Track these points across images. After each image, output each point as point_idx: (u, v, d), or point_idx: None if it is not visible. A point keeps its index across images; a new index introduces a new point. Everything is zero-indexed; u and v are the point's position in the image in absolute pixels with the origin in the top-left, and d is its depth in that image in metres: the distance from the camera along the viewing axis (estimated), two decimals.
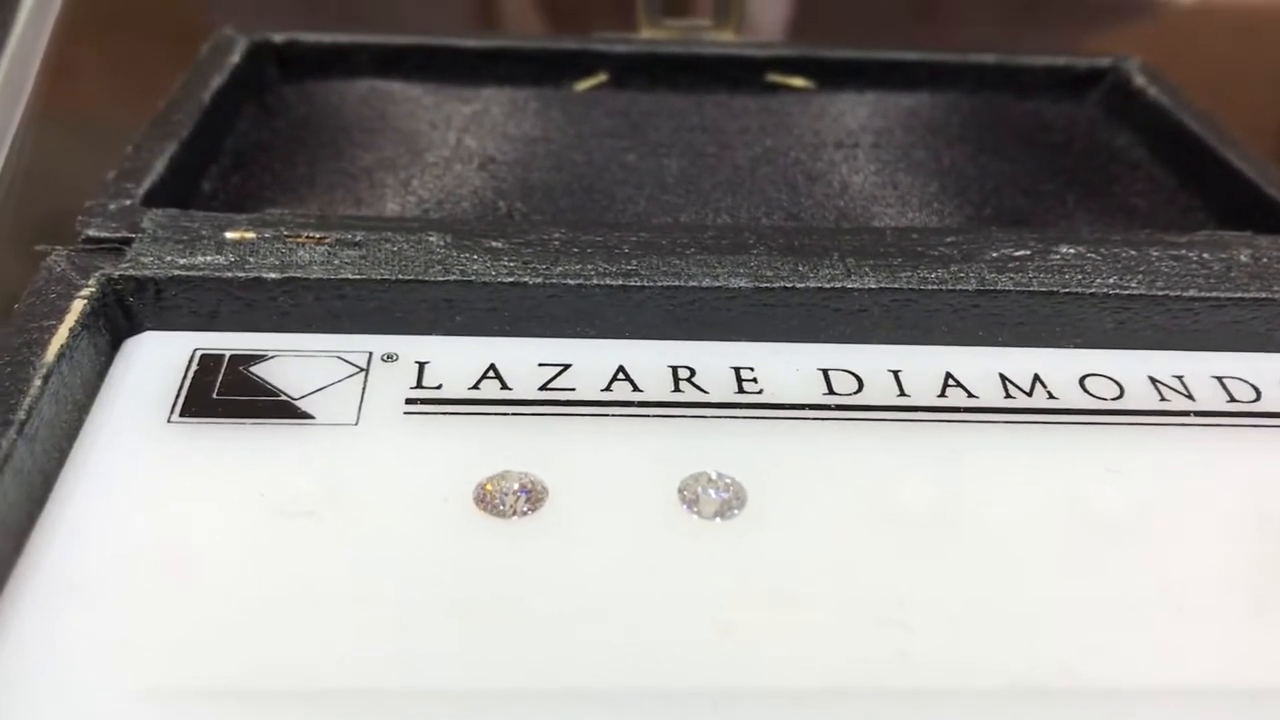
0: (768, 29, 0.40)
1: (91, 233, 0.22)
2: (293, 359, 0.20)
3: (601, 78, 0.31)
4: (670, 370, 0.20)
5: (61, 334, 0.19)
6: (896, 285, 0.21)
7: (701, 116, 0.29)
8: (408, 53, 0.30)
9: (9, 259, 0.28)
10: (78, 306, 0.20)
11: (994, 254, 0.22)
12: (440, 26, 0.43)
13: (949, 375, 0.20)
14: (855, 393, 0.20)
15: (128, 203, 0.22)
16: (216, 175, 0.26)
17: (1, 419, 0.17)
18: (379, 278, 0.21)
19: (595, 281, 0.21)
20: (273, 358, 0.20)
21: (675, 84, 0.30)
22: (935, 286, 0.21)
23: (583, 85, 0.31)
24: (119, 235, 0.21)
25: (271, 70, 0.30)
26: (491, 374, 0.20)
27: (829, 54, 0.31)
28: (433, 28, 0.37)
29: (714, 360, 0.21)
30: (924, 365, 0.21)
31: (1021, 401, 0.20)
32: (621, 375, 0.20)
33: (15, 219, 0.29)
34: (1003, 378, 0.20)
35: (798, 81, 0.31)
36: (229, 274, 0.21)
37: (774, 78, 0.31)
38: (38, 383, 0.18)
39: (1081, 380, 0.21)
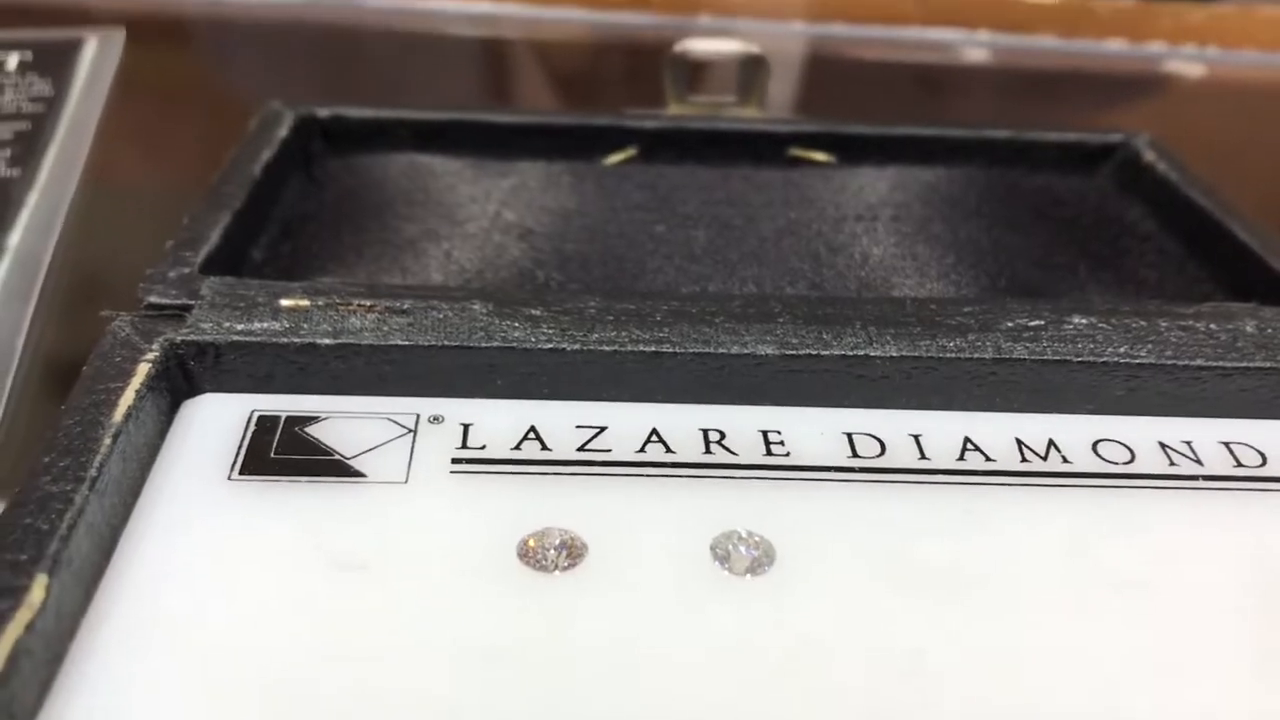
0: (789, 105, 0.42)
1: (153, 299, 0.23)
2: (345, 420, 0.21)
3: (631, 152, 0.32)
4: (701, 433, 0.21)
5: (128, 396, 0.20)
6: (917, 354, 0.22)
7: (727, 189, 0.30)
8: (447, 128, 0.31)
9: (56, 322, 0.29)
10: (143, 369, 0.21)
11: (1009, 324, 0.23)
12: (455, 98, 0.44)
13: (968, 439, 0.21)
14: (878, 455, 0.21)
15: (186, 271, 0.24)
16: (266, 244, 0.27)
17: (74, 475, 0.18)
18: (426, 344, 0.22)
19: (629, 348, 0.22)
20: (326, 419, 0.21)
21: (702, 158, 0.32)
22: (954, 355, 0.22)
23: (613, 159, 0.32)
24: (179, 302, 0.23)
25: (317, 143, 0.31)
26: (532, 435, 0.21)
27: (848, 130, 0.32)
28: (447, 100, 0.39)
29: (743, 423, 0.22)
30: (944, 429, 0.22)
31: (1037, 465, 0.21)
32: (655, 437, 0.21)
33: (56, 283, 0.30)
34: (1019, 442, 0.21)
35: (819, 156, 0.32)
36: (284, 340, 0.22)
37: (796, 152, 0.32)
38: (107, 441, 0.19)
39: (1094, 445, 0.21)
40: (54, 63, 0.39)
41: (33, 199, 0.32)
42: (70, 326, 0.28)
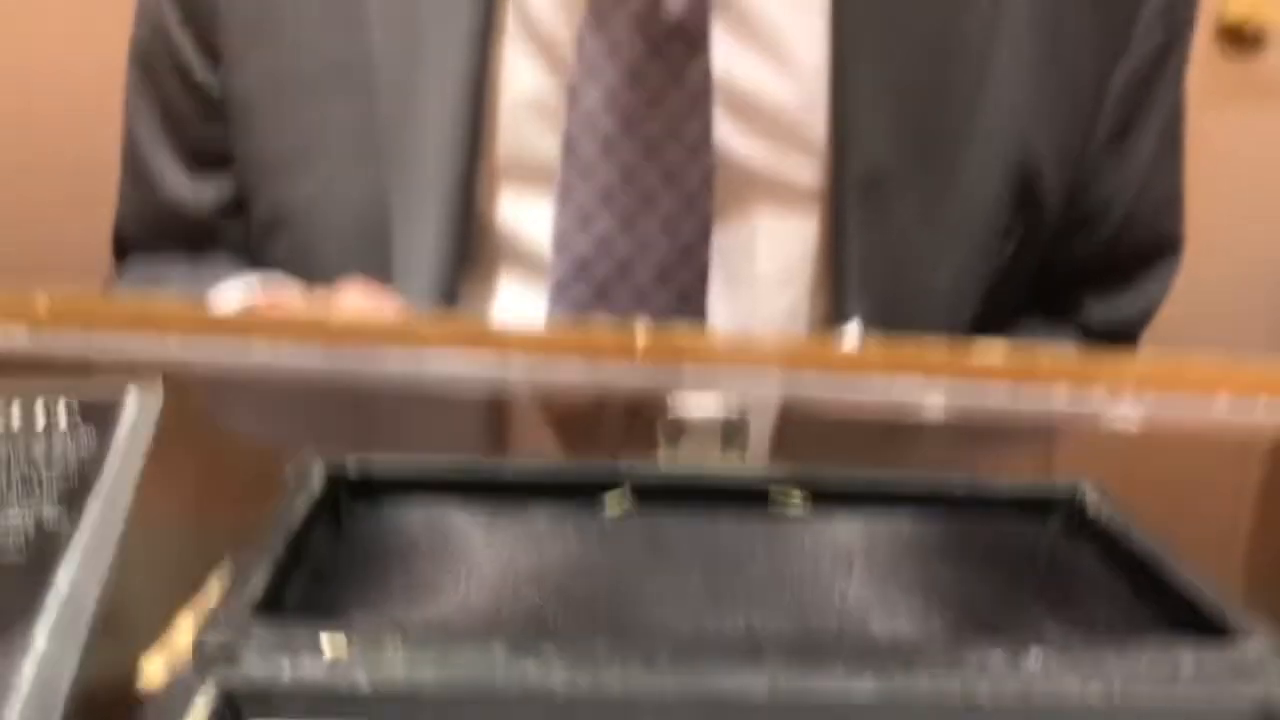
0: (766, 450, 0.46)
1: (208, 642, 0.25)
2: None
3: (626, 500, 0.35)
4: None
5: None
6: (893, 692, 0.25)
7: (716, 536, 0.34)
8: (464, 480, 0.35)
9: (101, 659, 0.31)
10: (199, 708, 0.23)
11: (974, 663, 0.26)
12: (464, 447, 0.48)
13: None
14: None
15: (236, 616, 0.26)
16: (299, 589, 0.30)
17: None
18: (451, 684, 0.24)
19: (634, 688, 0.25)
20: None
21: (692, 506, 0.35)
22: (925, 692, 0.25)
23: (611, 506, 0.35)
24: (231, 644, 0.25)
25: (345, 494, 0.34)
26: None
27: (822, 479, 0.36)
28: (458, 447, 0.42)
29: None
30: None
31: None
32: None
33: (102, 622, 0.33)
34: None
35: (796, 503, 0.36)
36: (325, 681, 0.24)
37: (776, 500, 0.36)
38: None
39: None
40: (99, 415, 0.43)
41: (80, 544, 0.35)
42: (114, 663, 0.31)
